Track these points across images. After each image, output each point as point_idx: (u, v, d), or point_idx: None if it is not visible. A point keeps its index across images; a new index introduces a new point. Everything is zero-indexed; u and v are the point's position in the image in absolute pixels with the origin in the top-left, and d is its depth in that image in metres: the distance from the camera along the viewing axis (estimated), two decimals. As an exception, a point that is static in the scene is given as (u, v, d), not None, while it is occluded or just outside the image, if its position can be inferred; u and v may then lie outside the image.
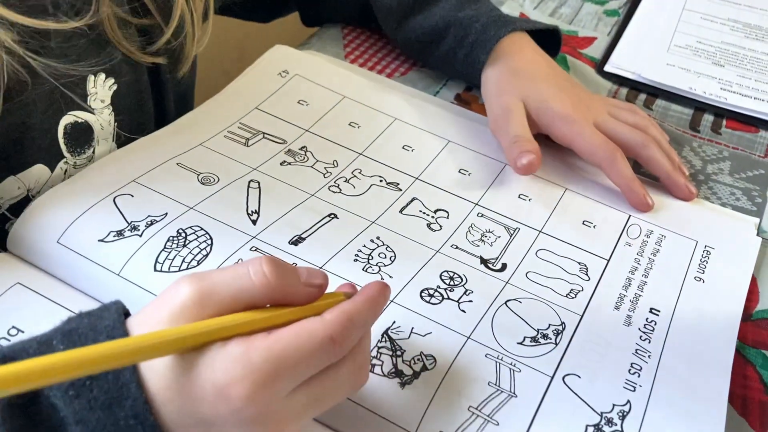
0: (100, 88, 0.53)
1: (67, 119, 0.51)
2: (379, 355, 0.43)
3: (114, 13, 0.51)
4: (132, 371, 0.32)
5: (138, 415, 0.32)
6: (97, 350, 0.29)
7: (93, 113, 0.53)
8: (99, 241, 0.46)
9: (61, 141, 0.51)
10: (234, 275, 0.34)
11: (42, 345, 0.33)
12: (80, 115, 0.52)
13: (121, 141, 0.56)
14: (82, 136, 0.52)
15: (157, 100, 0.60)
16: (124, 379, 0.32)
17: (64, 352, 0.29)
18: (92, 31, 0.50)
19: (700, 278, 0.52)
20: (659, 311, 0.49)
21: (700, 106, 0.69)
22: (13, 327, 0.42)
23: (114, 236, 0.47)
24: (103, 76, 0.53)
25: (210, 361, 0.32)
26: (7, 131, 0.47)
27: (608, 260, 0.52)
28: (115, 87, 0.54)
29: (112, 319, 0.34)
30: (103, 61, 0.52)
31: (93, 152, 0.54)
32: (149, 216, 0.48)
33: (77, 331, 0.33)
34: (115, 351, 0.30)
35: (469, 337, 0.45)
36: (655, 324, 0.48)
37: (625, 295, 0.50)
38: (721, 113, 0.68)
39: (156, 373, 0.32)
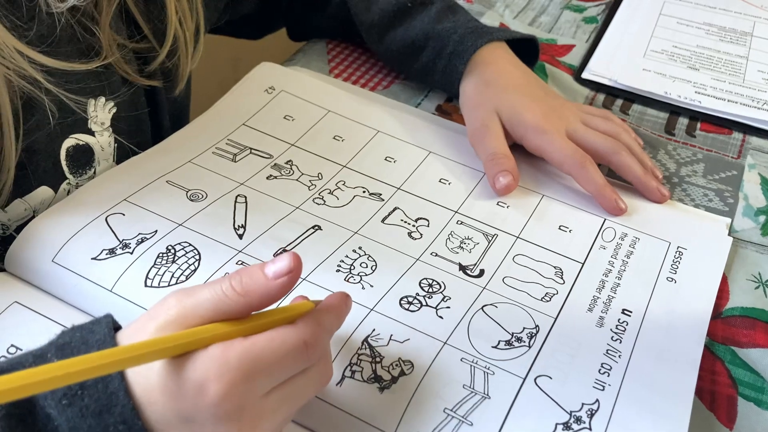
0: (101, 111, 0.55)
1: (69, 142, 0.53)
2: (359, 361, 0.45)
3: (115, 40, 0.54)
4: (120, 380, 0.35)
5: (126, 420, 0.34)
6: (89, 359, 0.32)
7: (93, 135, 0.55)
8: (92, 259, 0.49)
9: (64, 163, 0.53)
10: (212, 293, 0.37)
11: (38, 358, 0.36)
12: (81, 138, 0.54)
13: (121, 160, 0.58)
14: (83, 157, 0.55)
15: (153, 119, 0.62)
16: (113, 388, 0.35)
17: (58, 362, 0.31)
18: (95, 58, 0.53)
19: (672, 278, 0.53)
20: (631, 312, 0.51)
21: (675, 110, 0.71)
22: (12, 345, 0.44)
23: (106, 254, 0.49)
24: (102, 99, 0.55)
25: (191, 363, 0.35)
26: None
27: (583, 263, 0.54)
28: (114, 110, 0.56)
29: (102, 334, 0.36)
30: (104, 85, 0.54)
31: (94, 172, 0.56)
32: (140, 234, 0.51)
33: (70, 345, 0.36)
34: (105, 360, 0.32)
35: (445, 343, 0.47)
36: (627, 324, 0.50)
37: (598, 297, 0.51)
38: (696, 116, 0.70)
39: (143, 376, 0.35)
